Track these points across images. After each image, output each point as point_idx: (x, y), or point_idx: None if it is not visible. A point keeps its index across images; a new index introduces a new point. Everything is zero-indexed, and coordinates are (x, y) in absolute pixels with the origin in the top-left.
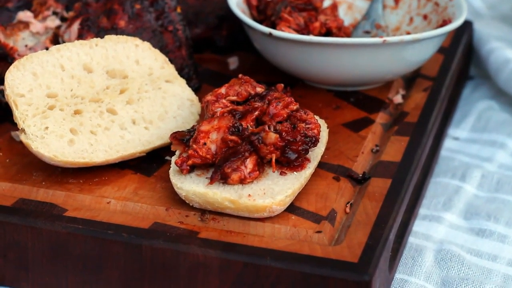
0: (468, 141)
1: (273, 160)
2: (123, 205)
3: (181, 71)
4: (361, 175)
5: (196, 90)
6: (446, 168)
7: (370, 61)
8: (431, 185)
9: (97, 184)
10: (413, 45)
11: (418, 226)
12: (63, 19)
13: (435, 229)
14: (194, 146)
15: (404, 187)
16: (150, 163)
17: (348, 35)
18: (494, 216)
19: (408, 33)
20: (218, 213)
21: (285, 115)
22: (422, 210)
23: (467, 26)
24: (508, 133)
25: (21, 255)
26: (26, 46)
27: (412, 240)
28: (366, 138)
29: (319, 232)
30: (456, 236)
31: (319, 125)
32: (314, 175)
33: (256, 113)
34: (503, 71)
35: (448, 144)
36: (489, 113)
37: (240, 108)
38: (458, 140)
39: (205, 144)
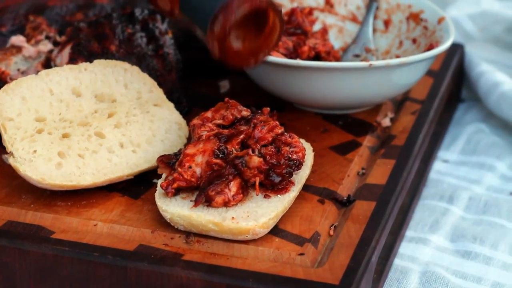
0: (457, 163)
1: (257, 183)
2: (110, 227)
3: (171, 95)
4: (345, 198)
5: (186, 114)
6: (435, 191)
7: (357, 85)
8: (418, 207)
9: (85, 206)
10: (400, 69)
11: (404, 248)
12: (56, 43)
13: (421, 251)
14: (179, 169)
15: (388, 209)
16: (138, 186)
17: (338, 59)
18: (480, 238)
19: (398, 57)
20: (203, 236)
21: (270, 139)
22: (409, 232)
23: (457, 49)
24: (497, 156)
25: (9, 276)
26: (18, 70)
27: (397, 262)
28: (353, 161)
29: (302, 254)
30: (441, 258)
31: (304, 148)
32: (299, 198)
33: (241, 136)
34: (493, 94)
35: (437, 166)
36: (479, 135)
37: (226, 131)
38: (447, 163)
39: (190, 167)
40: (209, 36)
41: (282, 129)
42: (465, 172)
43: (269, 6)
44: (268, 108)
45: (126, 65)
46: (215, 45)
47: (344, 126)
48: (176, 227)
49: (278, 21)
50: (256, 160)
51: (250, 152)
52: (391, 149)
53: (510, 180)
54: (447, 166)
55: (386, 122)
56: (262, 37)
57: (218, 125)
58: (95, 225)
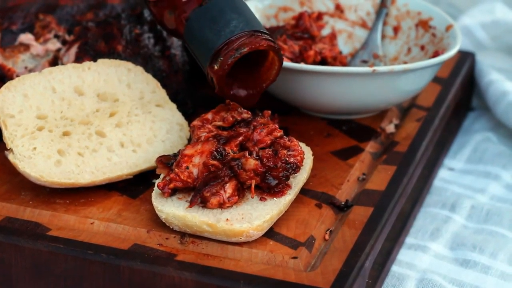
0: (463, 172)
1: (253, 185)
2: (106, 226)
3: (176, 96)
4: (343, 203)
5: (191, 115)
6: (438, 198)
7: (361, 90)
8: (420, 214)
9: (83, 205)
10: (405, 75)
11: (403, 255)
12: (64, 42)
13: (420, 258)
14: (176, 169)
15: (385, 215)
16: (137, 186)
17: (344, 64)
18: (479, 247)
19: (405, 63)
20: (198, 237)
21: (268, 142)
22: (409, 239)
23: (468, 57)
24: (503, 165)
25: (5, 272)
26: (25, 68)
27: (395, 268)
28: (354, 167)
29: (295, 258)
30: (440, 266)
31: (303, 152)
32: (296, 201)
33: (240, 138)
34: (501, 103)
35: (442, 174)
36: (485, 144)
37: (225, 133)
38: (453, 171)
39: (187, 168)
40: (209, 71)
41: (281, 132)
42: (470, 181)
43: (269, 48)
44: (269, 111)
45: (130, 65)
46: (214, 80)
47: (348, 131)
48: (171, 227)
49: (277, 59)
50: (252, 162)
51: (247, 154)
52: (393, 155)
53: None
54: (452, 174)
55: (390, 128)
56: (260, 71)
57: (218, 127)
58: (91, 223)
